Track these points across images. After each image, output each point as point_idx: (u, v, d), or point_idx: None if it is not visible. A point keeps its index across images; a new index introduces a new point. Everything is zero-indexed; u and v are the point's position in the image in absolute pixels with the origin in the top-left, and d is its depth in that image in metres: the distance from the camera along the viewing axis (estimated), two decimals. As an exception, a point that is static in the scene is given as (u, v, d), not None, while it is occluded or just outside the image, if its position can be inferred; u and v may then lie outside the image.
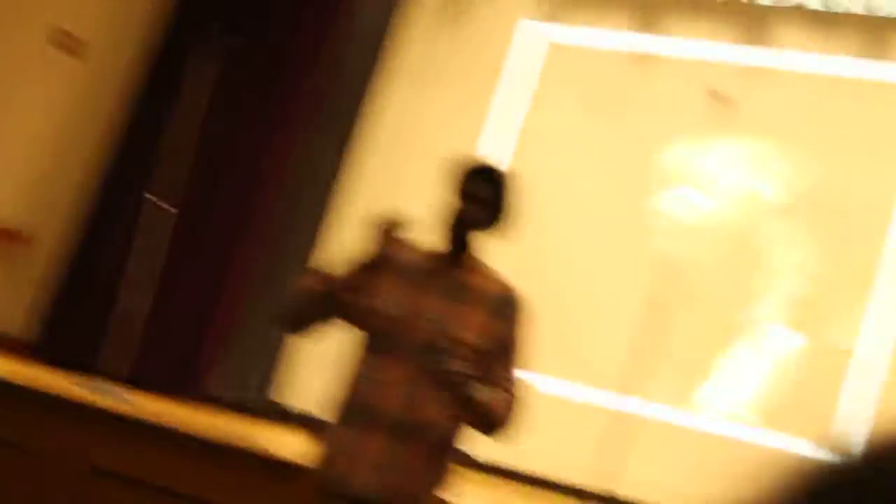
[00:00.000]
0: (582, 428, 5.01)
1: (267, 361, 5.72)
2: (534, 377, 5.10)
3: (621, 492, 4.56)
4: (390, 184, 5.77)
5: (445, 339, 3.14)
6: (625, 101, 5.64)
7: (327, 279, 3.26)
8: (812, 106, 5.33)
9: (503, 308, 3.25)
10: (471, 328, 3.18)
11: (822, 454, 0.52)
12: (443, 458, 3.17)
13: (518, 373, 3.26)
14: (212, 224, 5.92)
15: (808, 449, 4.67)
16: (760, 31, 5.47)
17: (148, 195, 5.23)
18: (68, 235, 6.01)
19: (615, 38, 5.79)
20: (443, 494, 3.20)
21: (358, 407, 3.15)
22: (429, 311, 3.18)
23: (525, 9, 6.00)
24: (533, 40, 5.97)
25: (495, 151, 5.71)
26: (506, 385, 3.20)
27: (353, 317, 3.23)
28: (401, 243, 3.25)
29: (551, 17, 5.94)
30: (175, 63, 5.83)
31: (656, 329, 4.50)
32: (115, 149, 6.08)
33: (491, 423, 3.20)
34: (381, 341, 3.18)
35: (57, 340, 5.80)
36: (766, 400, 5.01)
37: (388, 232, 3.17)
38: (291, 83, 6.03)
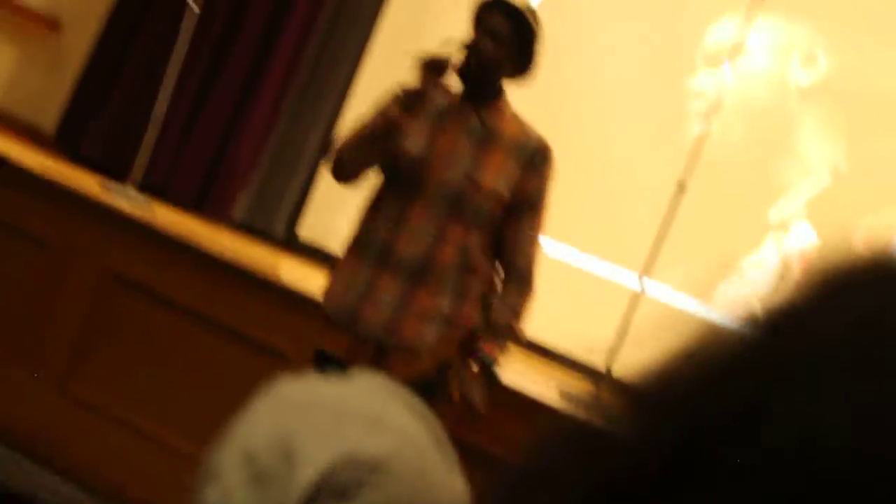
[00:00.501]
0: (595, 303, 5.07)
1: (297, 196, 5.72)
2: (554, 245, 5.15)
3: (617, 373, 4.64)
4: (431, 20, 5.67)
5: (472, 186, 3.12)
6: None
7: (385, 117, 3.16)
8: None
9: (534, 161, 3.17)
10: (499, 176, 3.13)
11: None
12: (457, 307, 3.15)
13: (542, 232, 3.22)
14: (247, 30, 5.74)
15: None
16: None
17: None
18: (102, 31, 5.90)
19: None
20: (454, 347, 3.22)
21: (374, 244, 3.14)
22: (455, 155, 3.14)
23: None
24: None
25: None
26: (528, 246, 3.17)
27: (386, 157, 3.21)
28: (435, 84, 3.17)
29: None
30: None
31: (682, 213, 4.50)
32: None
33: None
34: (404, 183, 3.15)
35: (84, 139, 5.80)
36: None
37: (432, 67, 3.08)
38: None
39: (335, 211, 5.07)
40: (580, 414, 0.45)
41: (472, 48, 3.15)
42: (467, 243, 3.12)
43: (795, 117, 5.21)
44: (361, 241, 3.19)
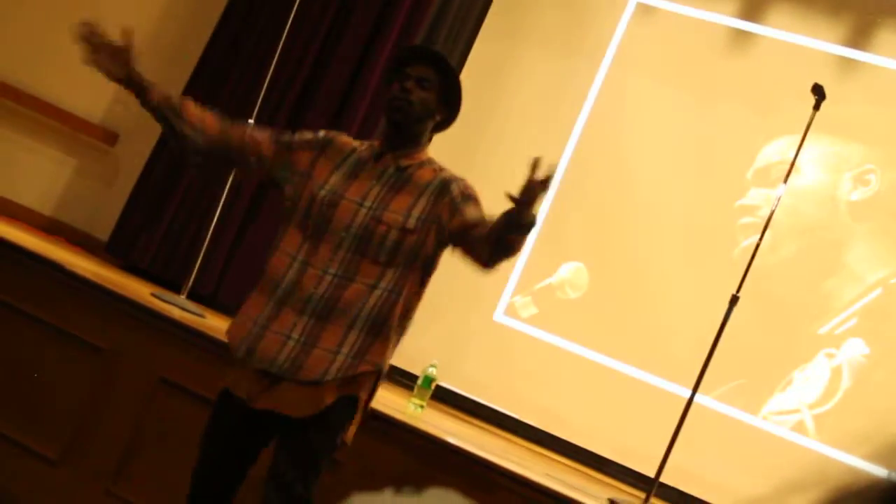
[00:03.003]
0: (647, 414, 5.02)
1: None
2: (607, 359, 5.13)
3: (669, 481, 4.58)
4: (473, 141, 5.75)
5: (375, 223, 3.11)
6: (718, 85, 5.58)
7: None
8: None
9: (444, 188, 3.17)
10: (405, 211, 3.13)
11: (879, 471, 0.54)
12: (367, 342, 3.09)
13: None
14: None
15: (868, 466, 4.64)
16: (865, 32, 5.39)
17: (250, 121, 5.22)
18: (158, 145, 6.05)
19: (719, 19, 5.74)
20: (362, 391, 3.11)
21: (279, 283, 3.13)
22: (365, 199, 3.15)
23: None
24: (641, 16, 5.92)
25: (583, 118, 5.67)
26: (483, 217, 3.10)
27: (286, 193, 3.26)
28: (349, 140, 3.27)
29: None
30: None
31: (732, 327, 4.47)
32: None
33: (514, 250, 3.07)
34: (313, 226, 3.16)
35: (137, 248, 5.88)
36: (834, 414, 4.98)
37: (90, 35, 3.08)
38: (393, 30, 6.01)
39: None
40: None
41: (392, 95, 3.20)
42: (381, 280, 3.09)
43: (846, 232, 5.20)
44: (268, 280, 3.18)
